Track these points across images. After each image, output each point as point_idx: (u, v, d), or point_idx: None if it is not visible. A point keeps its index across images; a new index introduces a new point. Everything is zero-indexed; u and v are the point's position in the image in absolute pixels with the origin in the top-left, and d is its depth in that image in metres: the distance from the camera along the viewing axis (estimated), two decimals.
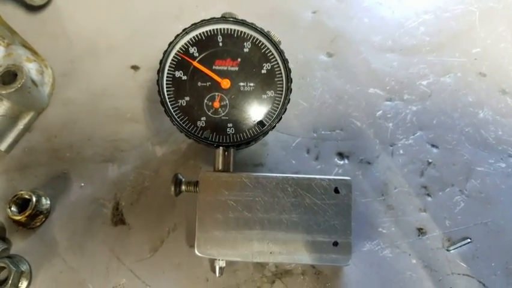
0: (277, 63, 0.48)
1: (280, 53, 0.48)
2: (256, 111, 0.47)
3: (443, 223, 0.53)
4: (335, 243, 0.45)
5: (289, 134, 0.57)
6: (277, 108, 0.47)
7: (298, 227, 0.46)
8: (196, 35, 0.48)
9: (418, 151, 0.56)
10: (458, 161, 0.56)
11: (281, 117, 0.47)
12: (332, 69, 0.60)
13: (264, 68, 0.48)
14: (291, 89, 0.47)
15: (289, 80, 0.47)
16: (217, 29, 0.49)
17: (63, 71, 0.60)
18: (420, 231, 0.53)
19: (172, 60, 0.47)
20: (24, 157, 0.56)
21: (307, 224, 0.46)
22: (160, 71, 0.47)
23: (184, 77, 0.47)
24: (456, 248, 0.52)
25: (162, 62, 0.47)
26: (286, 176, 0.47)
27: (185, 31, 0.48)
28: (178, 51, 0.48)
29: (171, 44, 0.47)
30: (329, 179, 0.47)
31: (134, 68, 0.60)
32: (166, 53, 0.47)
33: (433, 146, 0.56)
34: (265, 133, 0.47)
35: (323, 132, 0.57)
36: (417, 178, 0.55)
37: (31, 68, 0.57)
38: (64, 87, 0.59)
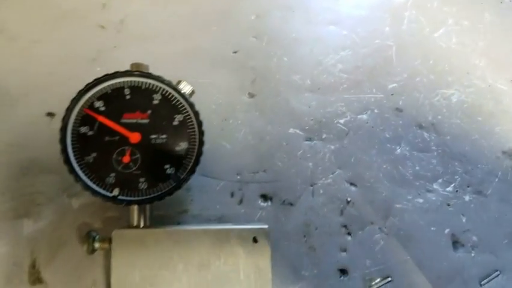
0: (189, 115, 0.47)
1: (191, 106, 0.47)
2: (169, 164, 0.47)
3: (364, 262, 0.54)
4: None
5: (213, 178, 0.56)
6: (191, 159, 0.47)
7: (219, 280, 0.45)
8: (101, 89, 0.47)
9: (337, 190, 0.57)
10: (377, 199, 0.57)
11: (195, 170, 0.46)
12: (253, 110, 0.60)
13: (176, 119, 0.47)
14: (203, 142, 0.47)
15: (201, 132, 0.47)
16: (123, 82, 0.48)
17: None
18: (342, 272, 0.53)
19: (77, 116, 0.46)
20: None
21: (227, 277, 0.45)
22: (63, 128, 0.45)
23: (90, 133, 0.46)
24: (377, 287, 0.52)
25: (65, 119, 0.46)
26: (203, 228, 0.46)
27: (88, 86, 0.47)
28: (82, 106, 0.46)
29: (74, 100, 0.46)
30: (248, 229, 0.47)
31: (50, 115, 0.58)
32: (69, 109, 0.46)
33: (352, 184, 0.57)
34: (179, 187, 0.46)
35: (246, 174, 0.57)
36: (337, 217, 0.55)
37: None
38: None
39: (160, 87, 0.47)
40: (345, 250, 0.54)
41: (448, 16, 0.68)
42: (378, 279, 0.53)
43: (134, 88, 0.47)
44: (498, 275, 0.55)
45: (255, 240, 0.46)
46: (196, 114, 0.47)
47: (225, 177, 0.57)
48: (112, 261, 0.45)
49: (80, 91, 0.46)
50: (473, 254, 0.55)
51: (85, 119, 0.46)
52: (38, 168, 0.56)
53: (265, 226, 0.47)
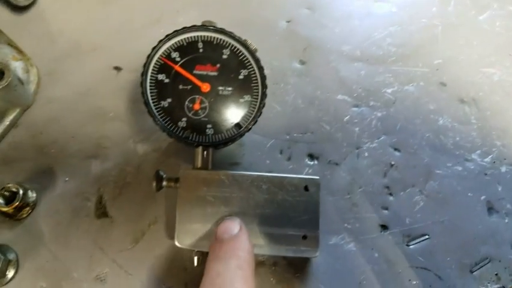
0: (254, 70, 0.51)
1: (256, 61, 0.51)
2: (233, 114, 0.51)
3: (404, 221, 0.57)
4: (304, 237, 0.49)
5: (264, 136, 0.60)
6: (253, 111, 0.51)
7: (271, 221, 0.49)
8: (178, 41, 0.51)
9: (382, 154, 0.60)
10: (419, 164, 0.60)
11: (257, 120, 0.50)
12: (304, 76, 0.64)
13: (241, 74, 0.51)
14: (266, 95, 0.51)
15: (264, 86, 0.51)
16: (198, 36, 0.52)
17: (47, 70, 0.62)
18: (383, 227, 0.57)
19: (155, 64, 0.51)
20: (10, 152, 0.58)
21: (279, 219, 0.49)
22: (144, 74, 0.50)
23: (167, 80, 0.50)
24: (415, 243, 0.56)
25: (145, 65, 0.50)
26: (261, 175, 0.50)
27: (168, 37, 0.51)
28: (160, 55, 0.51)
29: (154, 49, 0.51)
30: (299, 178, 0.51)
31: (117, 68, 0.63)
32: (150, 57, 0.50)
33: (396, 149, 0.60)
34: (242, 134, 0.50)
35: (295, 134, 0.61)
36: (381, 179, 0.59)
37: (17, 66, 0.59)
38: (48, 85, 0.62)
39: (230, 44, 0.52)
40: (386, 208, 0.57)
41: (493, 1, 0.71)
42: (416, 236, 0.56)
43: (207, 42, 0.52)
44: None
45: (306, 188, 0.50)
46: (261, 69, 0.51)
47: (274, 136, 0.61)
48: (178, 197, 0.49)
49: (160, 41, 0.51)
50: (506, 220, 0.58)
51: (162, 67, 0.50)
52: (105, 116, 0.60)
53: (317, 177, 0.51)
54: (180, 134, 0.49)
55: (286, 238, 0.49)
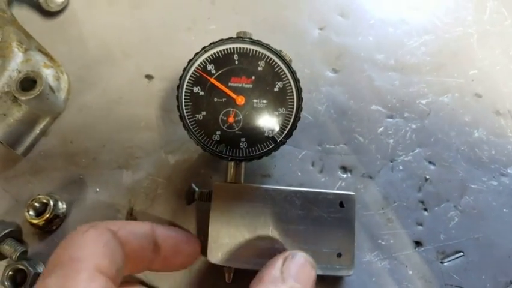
0: (289, 82, 0.51)
1: (293, 73, 0.50)
2: (268, 127, 0.50)
3: (438, 237, 0.56)
4: (339, 255, 0.49)
5: (296, 147, 0.59)
6: (288, 124, 0.50)
7: (305, 238, 0.49)
8: (214, 53, 0.51)
9: (416, 167, 0.59)
10: (454, 178, 0.59)
11: (292, 134, 0.50)
12: (336, 85, 0.63)
13: (277, 86, 0.50)
14: (302, 108, 0.50)
15: (300, 99, 0.50)
16: (233, 48, 0.51)
17: (78, 76, 0.62)
18: (417, 244, 0.56)
19: (191, 76, 0.50)
20: (40, 161, 0.58)
21: (313, 236, 0.49)
22: (180, 87, 0.49)
23: (202, 93, 0.50)
24: (449, 260, 0.55)
25: (182, 79, 0.49)
26: (295, 189, 0.50)
27: (204, 49, 0.50)
28: (196, 68, 0.50)
29: (190, 61, 0.50)
30: (334, 194, 0.50)
31: (148, 77, 0.62)
32: (186, 70, 0.50)
33: (430, 162, 0.59)
34: (276, 149, 0.49)
35: (327, 146, 0.60)
36: (415, 193, 0.58)
37: (48, 74, 0.59)
38: (79, 92, 0.61)
39: (265, 55, 0.51)
40: (421, 224, 0.56)
41: None
42: (451, 253, 0.55)
43: (242, 54, 0.51)
44: None
45: (341, 204, 0.49)
46: (297, 81, 0.50)
47: (306, 147, 0.60)
48: (211, 211, 0.48)
49: (196, 53, 0.50)
50: None
51: (197, 80, 0.50)
52: (137, 125, 0.60)
53: (353, 193, 0.50)
54: (214, 148, 0.49)
55: (320, 255, 0.48)
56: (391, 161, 0.59)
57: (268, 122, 0.50)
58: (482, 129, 0.61)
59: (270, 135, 0.50)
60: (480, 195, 0.58)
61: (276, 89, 0.51)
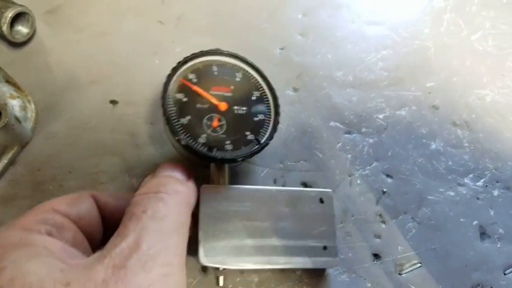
0: (265, 92, 0.55)
1: (268, 83, 0.55)
2: (251, 131, 0.53)
3: (396, 249, 0.58)
4: (325, 247, 0.50)
5: (258, 165, 0.61)
6: (269, 128, 0.53)
7: (293, 233, 0.50)
8: (195, 63, 0.54)
9: (374, 181, 0.61)
10: (411, 190, 0.61)
11: (273, 136, 0.53)
12: (297, 104, 0.65)
13: (254, 95, 0.54)
14: (279, 113, 0.53)
15: (276, 106, 0.54)
16: (213, 60, 0.55)
17: (46, 104, 0.64)
18: (376, 256, 0.58)
19: (174, 84, 0.53)
20: (8, 190, 0.59)
21: (300, 231, 0.51)
22: (163, 93, 0.51)
23: (185, 99, 0.52)
24: (407, 272, 0.57)
25: (165, 85, 0.52)
26: (279, 188, 0.53)
27: (185, 59, 0.54)
28: (178, 76, 0.53)
29: (173, 69, 0.53)
30: (314, 191, 0.53)
31: (113, 102, 0.64)
32: (169, 77, 0.52)
33: (388, 176, 0.61)
34: (261, 149, 0.52)
35: (288, 163, 0.62)
36: (373, 206, 0.60)
37: (15, 104, 0.60)
38: (46, 121, 0.63)
39: (242, 67, 0.55)
40: (379, 237, 0.58)
41: (486, 20, 0.72)
42: (409, 264, 0.57)
43: (221, 66, 0.55)
44: None
45: (321, 201, 0.52)
46: (272, 90, 0.55)
47: (268, 165, 0.62)
48: (200, 213, 0.49)
49: (179, 62, 0.53)
50: (499, 245, 0.59)
51: (180, 87, 0.52)
52: (102, 151, 0.61)
53: (330, 190, 0.53)
54: (201, 149, 0.50)
55: (308, 250, 0.50)
56: (349, 176, 0.61)
57: (251, 126, 0.53)
58: (439, 140, 0.63)
59: (254, 138, 0.52)
60: (437, 206, 0.60)
61: (253, 98, 0.54)
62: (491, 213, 0.60)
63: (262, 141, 0.52)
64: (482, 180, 0.62)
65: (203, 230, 0.48)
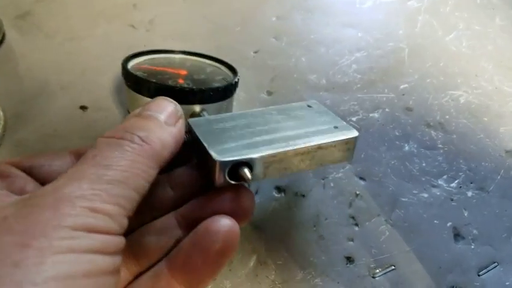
0: (217, 65, 0.58)
1: (218, 59, 0.59)
2: (216, 79, 0.55)
3: (369, 251, 0.57)
4: (335, 127, 0.45)
5: None
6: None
7: (300, 125, 0.45)
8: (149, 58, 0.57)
9: (347, 184, 0.61)
10: (384, 193, 0.60)
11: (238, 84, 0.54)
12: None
13: (208, 69, 0.57)
14: (237, 73, 0.56)
15: (233, 69, 0.57)
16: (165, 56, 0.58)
17: (15, 112, 0.63)
18: (349, 259, 0.57)
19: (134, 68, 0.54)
20: None
21: (305, 123, 0.46)
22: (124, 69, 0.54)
23: (145, 75, 0.53)
24: (381, 275, 0.56)
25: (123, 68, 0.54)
26: (267, 108, 0.49)
27: (140, 52, 0.57)
28: (134, 65, 0.55)
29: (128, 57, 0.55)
30: (300, 103, 0.50)
31: (83, 108, 0.63)
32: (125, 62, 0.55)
33: (361, 178, 0.61)
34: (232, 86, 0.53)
35: None
36: (346, 209, 0.59)
37: None
38: (15, 128, 0.62)
39: (190, 59, 0.59)
40: (352, 240, 0.58)
41: (460, 21, 0.71)
42: (382, 267, 0.57)
43: (171, 59, 0.59)
44: (496, 266, 0.58)
45: (309, 106, 0.49)
46: (224, 62, 0.58)
47: None
48: (197, 134, 0.42)
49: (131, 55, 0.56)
50: (473, 246, 0.58)
51: (138, 69, 0.55)
52: None
53: (314, 101, 0.50)
54: (174, 84, 0.51)
55: (321, 131, 0.44)
56: (322, 179, 0.60)
57: (214, 82, 0.54)
58: (412, 142, 0.63)
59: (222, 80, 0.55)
60: (411, 208, 0.60)
61: (208, 70, 0.57)
62: (465, 214, 0.60)
63: (233, 80, 0.53)
64: (456, 181, 0.61)
65: (206, 141, 0.40)
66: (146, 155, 0.32)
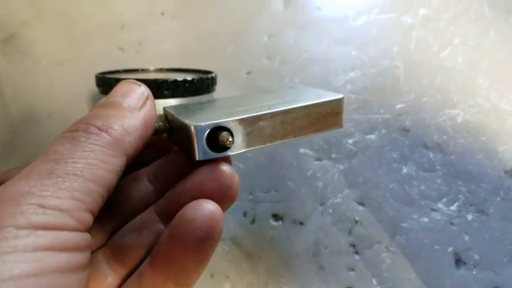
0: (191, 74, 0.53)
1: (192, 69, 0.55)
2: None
3: (371, 281, 0.56)
4: (319, 94, 0.41)
5: None
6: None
7: (282, 98, 0.41)
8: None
9: (346, 209, 0.59)
10: (384, 218, 0.59)
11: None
12: None
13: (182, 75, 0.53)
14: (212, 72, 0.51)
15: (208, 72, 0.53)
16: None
17: (1, 140, 0.61)
18: None
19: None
20: None
21: (288, 96, 0.42)
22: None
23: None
24: None
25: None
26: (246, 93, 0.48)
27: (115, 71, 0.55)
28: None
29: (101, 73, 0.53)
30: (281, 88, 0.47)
31: None
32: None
33: (360, 203, 0.60)
34: (209, 81, 0.49)
35: (258, 194, 0.60)
36: (346, 236, 0.58)
37: None
38: (3, 157, 0.60)
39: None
40: (353, 269, 0.57)
41: (454, 36, 0.70)
42: None
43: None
44: None
45: (290, 87, 0.46)
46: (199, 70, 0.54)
47: (238, 196, 0.59)
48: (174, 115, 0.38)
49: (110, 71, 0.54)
50: (474, 272, 0.57)
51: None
52: None
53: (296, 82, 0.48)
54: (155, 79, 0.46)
55: (303, 99, 0.40)
56: (321, 205, 0.59)
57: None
58: (410, 164, 0.62)
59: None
60: (411, 234, 0.59)
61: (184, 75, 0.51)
62: (466, 239, 0.59)
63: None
64: (456, 204, 0.60)
65: (181, 115, 0.37)
66: (103, 143, 0.31)
